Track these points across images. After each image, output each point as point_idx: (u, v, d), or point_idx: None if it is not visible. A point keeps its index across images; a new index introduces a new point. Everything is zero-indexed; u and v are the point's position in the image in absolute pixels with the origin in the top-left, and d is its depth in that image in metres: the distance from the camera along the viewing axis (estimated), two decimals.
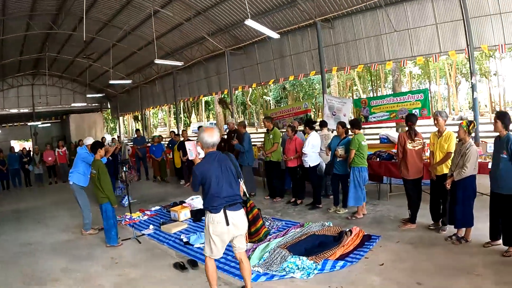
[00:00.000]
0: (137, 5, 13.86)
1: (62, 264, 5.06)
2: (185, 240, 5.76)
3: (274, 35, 10.72)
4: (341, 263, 4.28)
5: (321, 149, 7.27)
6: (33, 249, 5.86)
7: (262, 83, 15.81)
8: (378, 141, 10.41)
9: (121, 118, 30.41)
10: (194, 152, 3.53)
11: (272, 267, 4.27)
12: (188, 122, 43.92)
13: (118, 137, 12.08)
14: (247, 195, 4.08)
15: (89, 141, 6.82)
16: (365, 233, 5.14)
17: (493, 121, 4.32)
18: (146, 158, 13.16)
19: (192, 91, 19.62)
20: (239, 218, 3.43)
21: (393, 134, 9.75)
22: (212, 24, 14.50)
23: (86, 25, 15.63)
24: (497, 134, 4.32)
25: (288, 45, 13.66)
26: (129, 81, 20.51)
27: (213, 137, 3.40)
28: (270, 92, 36.86)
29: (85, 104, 26.31)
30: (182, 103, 30.91)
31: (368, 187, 7.71)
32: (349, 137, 6.42)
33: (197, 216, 7.09)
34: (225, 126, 16.89)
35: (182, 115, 41.88)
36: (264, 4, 12.40)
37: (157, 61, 13.74)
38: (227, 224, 3.33)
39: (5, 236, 6.80)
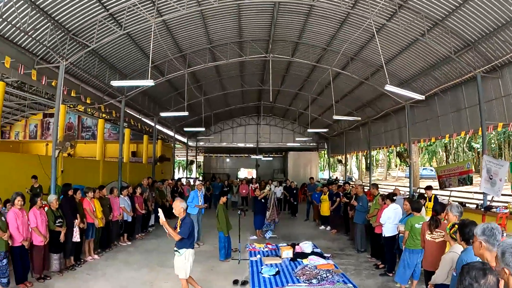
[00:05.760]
0: (314, 80, 17.53)
1: None
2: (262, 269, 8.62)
3: (418, 97, 11.87)
4: None
5: None
6: None
7: (439, 137, 16.30)
8: None
9: (340, 157, 34.87)
10: (162, 216, 6.15)
11: None
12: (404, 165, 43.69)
13: (270, 187, 15.58)
14: None
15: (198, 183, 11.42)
16: None
17: None
18: (313, 203, 16.32)
19: (387, 140, 21.55)
20: None
21: None
22: (393, 79, 16.28)
23: (290, 81, 20.83)
24: None
25: (463, 98, 13.96)
26: (325, 130, 24.52)
27: (183, 203, 6.37)
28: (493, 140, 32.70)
29: (301, 143, 32.25)
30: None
31: None
32: (412, 215, 7.56)
33: (295, 256, 9.70)
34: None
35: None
36: (430, 59, 13.63)
37: (336, 117, 16.91)
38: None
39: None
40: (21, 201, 7.06)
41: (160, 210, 6.31)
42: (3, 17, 9.16)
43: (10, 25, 9.68)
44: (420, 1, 10.79)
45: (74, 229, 8.28)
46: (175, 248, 6.13)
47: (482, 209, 10.78)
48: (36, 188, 10.81)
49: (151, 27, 11.88)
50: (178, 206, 6.21)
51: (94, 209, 9.21)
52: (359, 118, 18.16)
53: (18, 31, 9.99)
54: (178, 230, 6.05)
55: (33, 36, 10.44)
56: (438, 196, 11.25)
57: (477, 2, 9.88)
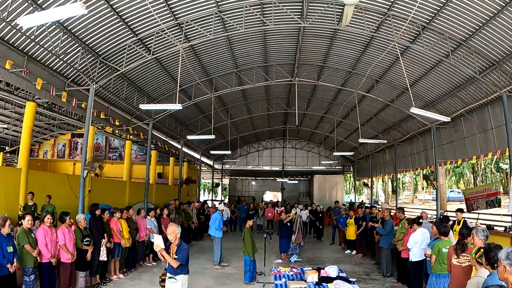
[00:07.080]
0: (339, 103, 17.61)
1: (208, 283, 9.05)
2: None
3: (444, 118, 11.68)
4: None
5: None
6: (203, 271, 10.20)
7: (466, 159, 15.96)
8: None
9: (366, 180, 34.58)
10: (160, 242, 5.88)
11: None
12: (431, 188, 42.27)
13: (295, 210, 15.28)
14: None
15: (221, 207, 12.06)
16: None
17: None
18: (338, 227, 16.10)
19: (413, 163, 21.20)
20: None
21: None
22: (418, 101, 16.14)
23: (315, 104, 20.93)
24: None
25: (489, 118, 13.72)
26: (350, 153, 24.36)
27: (179, 228, 6.00)
28: None
29: (327, 166, 32.08)
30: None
31: None
32: (439, 239, 7.39)
33: (321, 280, 9.56)
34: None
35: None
36: (455, 80, 13.51)
37: (361, 140, 16.85)
38: None
39: (200, 261, 11.60)
40: (50, 219, 7.30)
41: (157, 236, 6.03)
42: (36, 40, 9.73)
43: (42, 49, 10.25)
44: (443, 23, 10.83)
45: (101, 248, 8.46)
46: (169, 275, 5.72)
47: (511, 232, 10.39)
48: (30, 206, 10.47)
49: (178, 52, 12.31)
50: (174, 231, 5.81)
51: (121, 229, 9.39)
52: (385, 141, 18.04)
53: (50, 54, 10.57)
54: (174, 256, 5.71)
55: (64, 60, 10.98)
56: (466, 219, 10.89)
57: (500, 21, 9.84)
